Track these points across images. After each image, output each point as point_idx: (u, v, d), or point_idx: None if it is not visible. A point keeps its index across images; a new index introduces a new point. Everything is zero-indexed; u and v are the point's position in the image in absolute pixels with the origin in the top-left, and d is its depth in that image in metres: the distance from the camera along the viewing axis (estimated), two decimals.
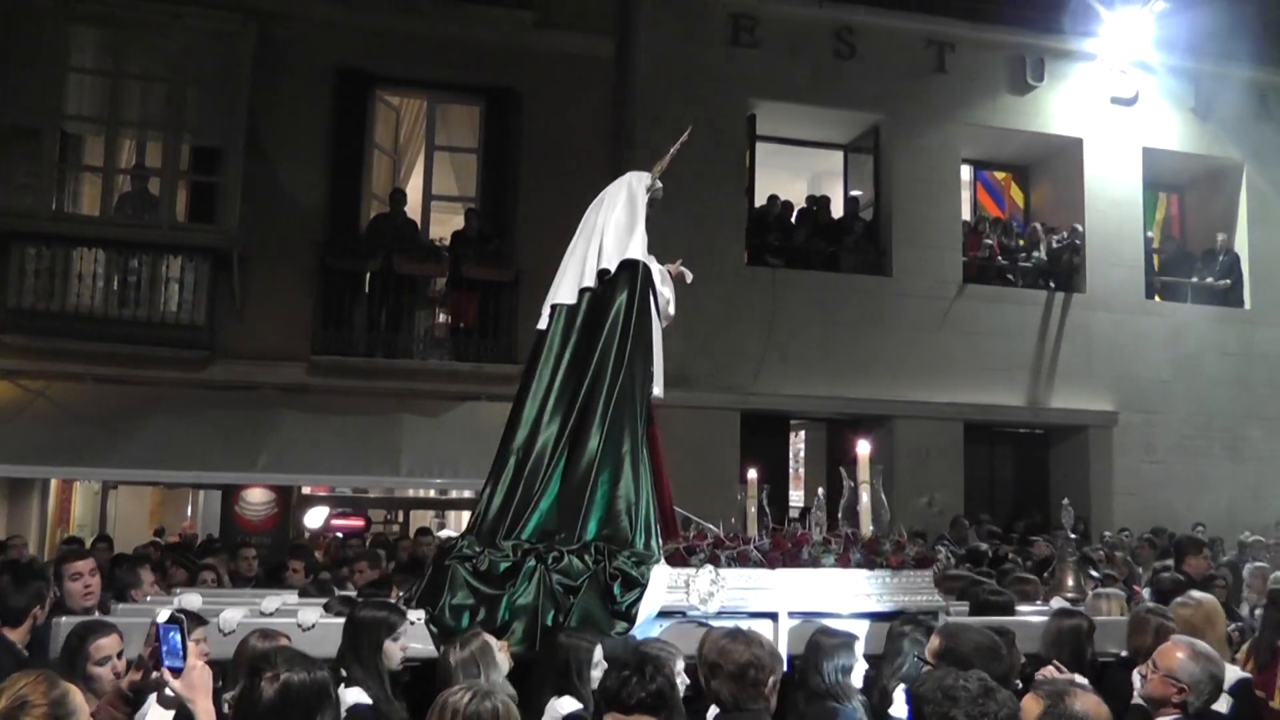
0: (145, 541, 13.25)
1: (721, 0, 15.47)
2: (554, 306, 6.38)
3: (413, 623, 5.11)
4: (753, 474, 6.93)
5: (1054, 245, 16.70)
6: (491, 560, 5.52)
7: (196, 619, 4.74)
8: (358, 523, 15.39)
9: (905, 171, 15.98)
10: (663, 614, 5.50)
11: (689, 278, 6.98)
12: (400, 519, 16.61)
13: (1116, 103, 17.35)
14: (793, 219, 16.13)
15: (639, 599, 5.45)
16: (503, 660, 4.75)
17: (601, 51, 15.33)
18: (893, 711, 4.80)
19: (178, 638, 3.33)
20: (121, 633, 4.60)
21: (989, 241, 16.64)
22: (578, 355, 6.19)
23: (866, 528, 6.14)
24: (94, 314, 12.94)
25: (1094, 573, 8.94)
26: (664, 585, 5.49)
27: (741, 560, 5.78)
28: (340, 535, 14.24)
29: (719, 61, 15.30)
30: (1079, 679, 5.04)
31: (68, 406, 12.88)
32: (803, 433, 16.78)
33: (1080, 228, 16.86)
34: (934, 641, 4.59)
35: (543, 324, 6.39)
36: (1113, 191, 17.20)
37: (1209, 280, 17.90)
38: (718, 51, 15.36)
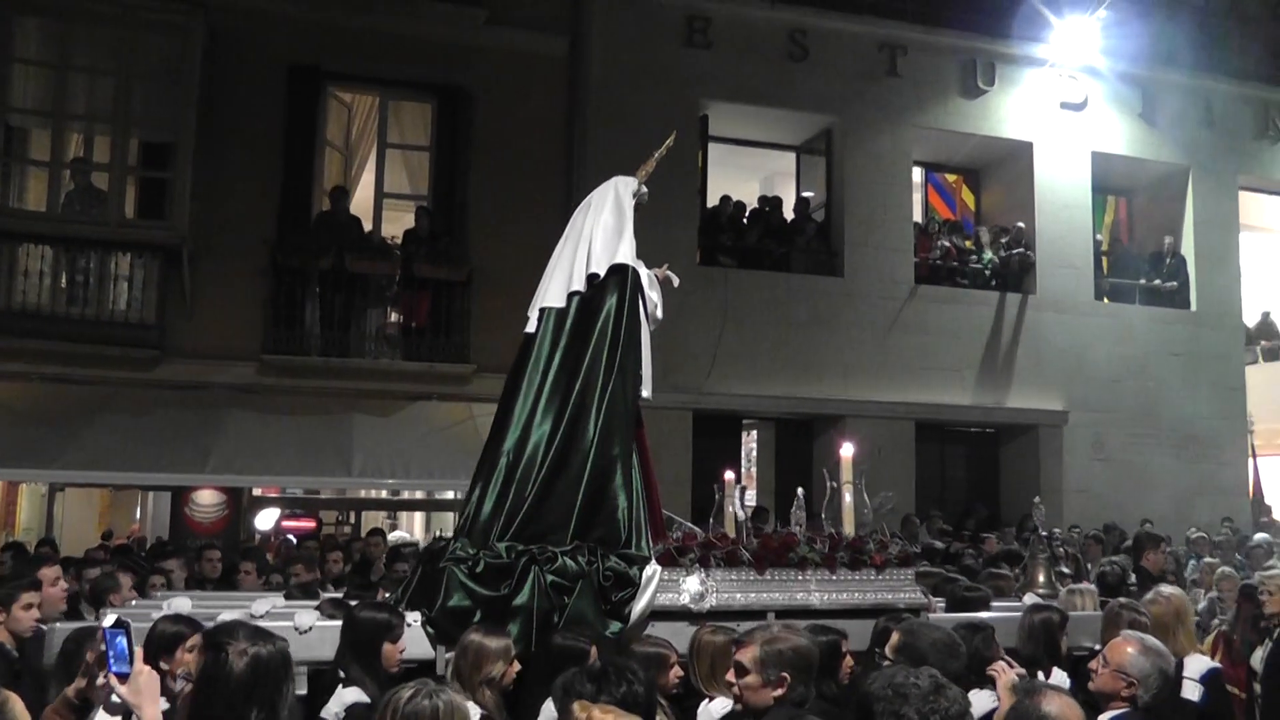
0: (94, 545, 13.10)
1: (675, 0, 15.62)
2: (542, 310, 6.50)
3: (410, 625, 5.27)
4: (730, 475, 7.17)
5: (1004, 247, 16.94)
6: (488, 562, 5.64)
7: (193, 623, 4.83)
8: (309, 524, 15.38)
9: (857, 173, 16.27)
10: (655, 613, 5.70)
11: (675, 281, 7.13)
12: (352, 520, 16.55)
13: (1066, 108, 17.85)
14: (745, 219, 16.24)
15: (632, 599, 5.63)
16: (498, 671, 4.80)
17: (554, 50, 15.50)
18: None
19: (124, 642, 3.26)
20: None
21: (945, 244, 16.91)
22: (568, 358, 6.31)
23: (850, 527, 6.39)
24: (41, 312, 12.88)
25: (1064, 569, 9.18)
26: (656, 585, 5.70)
27: (731, 561, 5.98)
28: (292, 537, 14.15)
29: (672, 61, 15.52)
30: (1057, 673, 5.23)
31: (13, 406, 12.83)
32: (754, 432, 16.90)
33: (1030, 229, 17.06)
34: (894, 638, 4.74)
35: (531, 327, 6.51)
36: (1062, 195, 17.69)
37: (1156, 282, 18.48)
38: (671, 51, 15.58)
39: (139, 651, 3.30)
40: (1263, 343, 21.69)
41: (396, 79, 15.10)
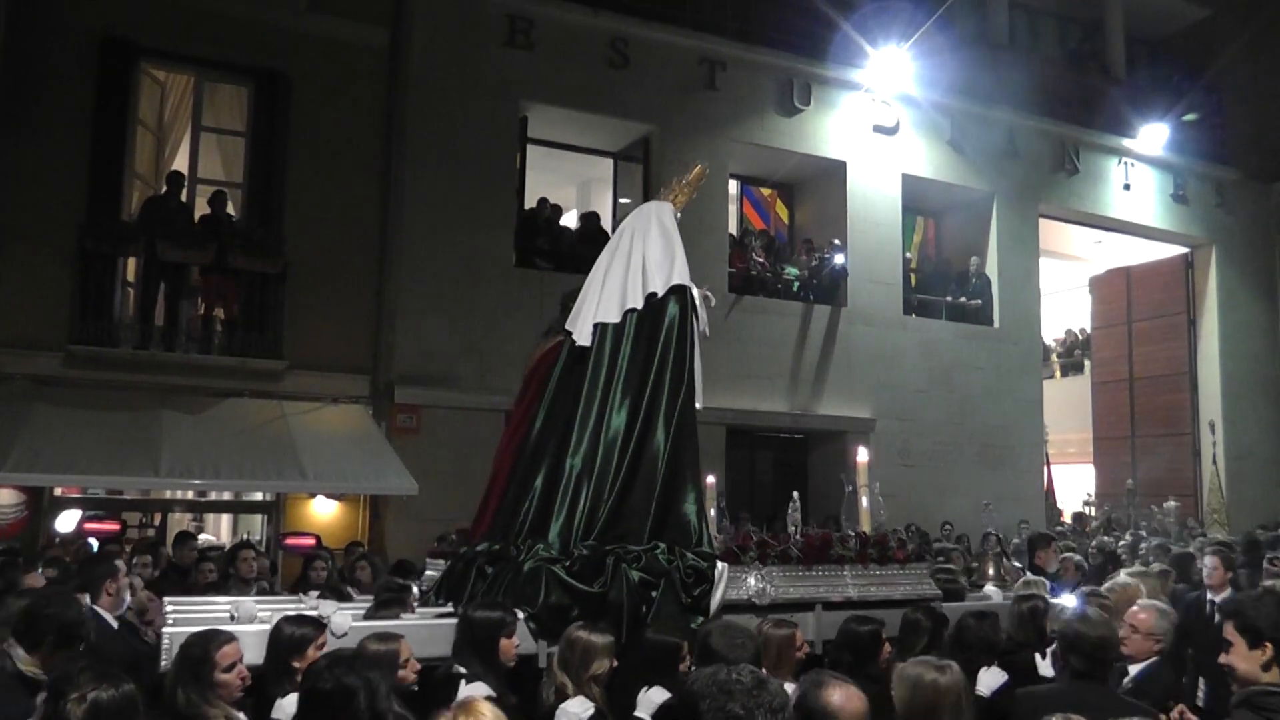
0: None
1: (497, 0, 16.31)
2: (597, 325, 7.26)
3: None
4: (711, 479, 7.84)
5: (817, 261, 17.83)
6: (582, 561, 6.31)
7: (314, 623, 5.28)
8: (113, 526, 15.04)
9: None
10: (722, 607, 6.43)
11: (713, 301, 7.72)
12: (157, 522, 16.31)
13: (878, 131, 19.61)
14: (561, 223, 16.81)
15: (709, 593, 6.30)
16: (604, 667, 5.26)
17: (375, 41, 15.98)
18: None
19: None
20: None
21: (759, 260, 17.60)
22: (632, 370, 7.04)
23: (867, 526, 7.31)
24: None
25: (1016, 563, 10.32)
26: (725, 581, 6.42)
27: (783, 559, 6.81)
28: (94, 540, 13.86)
29: (493, 61, 16.22)
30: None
31: None
32: None
33: (842, 245, 18.17)
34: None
35: (585, 341, 7.26)
36: (874, 213, 19.37)
37: (962, 300, 20.13)
38: (492, 51, 16.25)
39: None
40: (1055, 358, 23.24)
41: (213, 59, 15.35)
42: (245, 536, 16.05)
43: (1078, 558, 12.05)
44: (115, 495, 15.56)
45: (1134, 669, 5.76)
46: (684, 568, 6.27)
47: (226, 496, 16.43)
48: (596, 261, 7.72)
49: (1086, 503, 20.16)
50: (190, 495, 16.25)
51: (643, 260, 7.27)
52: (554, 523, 6.70)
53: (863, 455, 7.59)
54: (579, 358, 7.25)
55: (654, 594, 6.17)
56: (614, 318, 7.19)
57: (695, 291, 7.27)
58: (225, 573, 11.28)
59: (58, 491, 14.46)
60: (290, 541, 14.24)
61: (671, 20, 17.40)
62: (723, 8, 17.96)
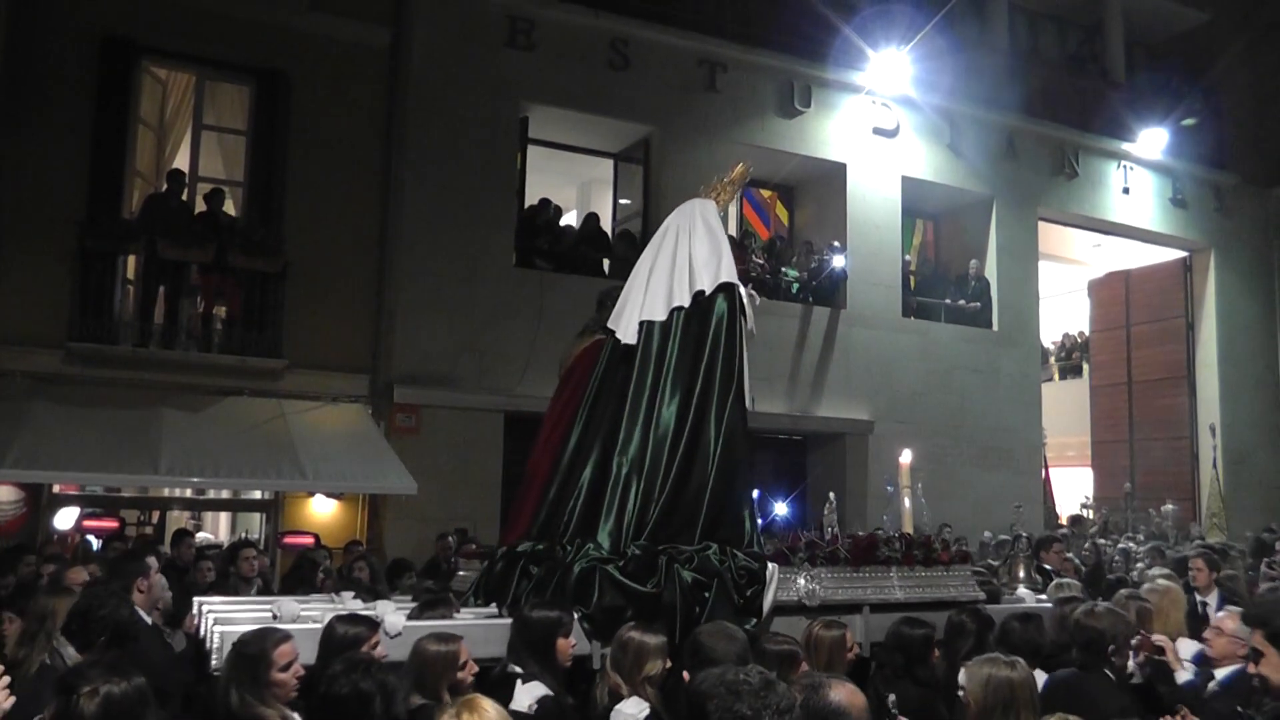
0: None
1: (499, 0, 16.28)
2: (643, 323, 7.17)
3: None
4: None
5: (816, 263, 17.83)
6: (635, 561, 6.24)
7: (368, 623, 5.22)
8: (112, 524, 15.04)
9: (674, 184, 17.13)
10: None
11: (757, 300, 7.67)
12: (155, 520, 16.32)
13: (878, 133, 19.63)
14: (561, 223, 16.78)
15: (761, 594, 6.27)
16: (657, 669, 5.18)
17: (376, 40, 16.02)
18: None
19: None
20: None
21: (760, 262, 17.62)
22: (681, 367, 6.94)
23: (909, 528, 7.31)
24: None
25: (1046, 566, 10.38)
26: (776, 582, 6.39)
27: (831, 560, 6.77)
28: (93, 537, 13.84)
29: (493, 61, 16.22)
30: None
31: None
32: None
33: (841, 247, 18.16)
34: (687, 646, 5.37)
35: (630, 339, 7.17)
36: (873, 215, 19.38)
37: (961, 302, 20.12)
38: (493, 51, 16.25)
39: None
40: (1054, 361, 23.23)
41: (214, 59, 15.38)
42: (244, 535, 16.07)
43: (1076, 560, 12.18)
44: (114, 493, 15.59)
45: (1220, 673, 5.76)
46: (736, 568, 6.22)
47: (225, 495, 16.42)
48: (639, 259, 7.64)
49: (1085, 506, 20.19)
50: (189, 493, 16.27)
51: (689, 258, 7.20)
52: (603, 523, 6.62)
53: (906, 457, 7.55)
54: (623, 356, 7.18)
55: (707, 595, 6.10)
56: (660, 315, 7.08)
57: (743, 290, 7.24)
58: (225, 571, 11.31)
59: (56, 489, 14.49)
60: (289, 540, 14.27)
61: (672, 21, 17.39)
62: (723, 9, 17.96)
